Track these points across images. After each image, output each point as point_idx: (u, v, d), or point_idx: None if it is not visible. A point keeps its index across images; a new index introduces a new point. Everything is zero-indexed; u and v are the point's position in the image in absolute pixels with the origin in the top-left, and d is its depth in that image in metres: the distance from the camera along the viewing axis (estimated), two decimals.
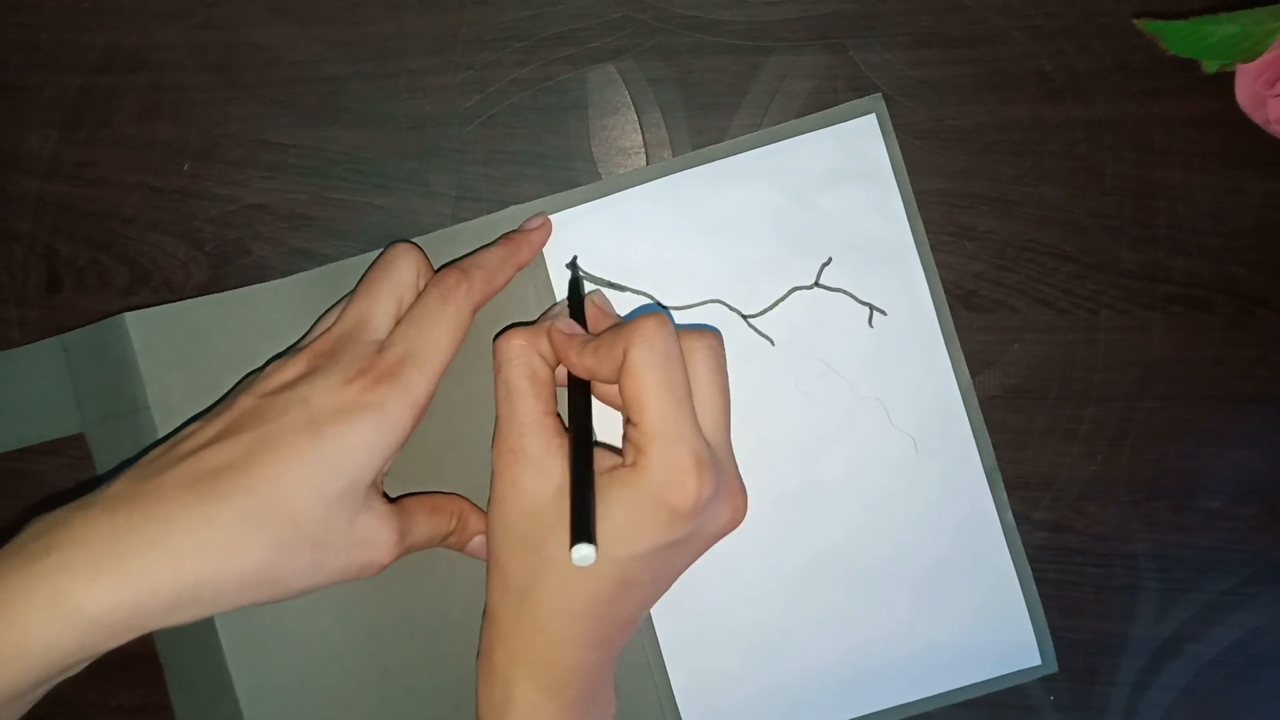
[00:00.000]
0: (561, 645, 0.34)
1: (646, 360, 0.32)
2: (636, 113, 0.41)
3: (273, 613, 0.39)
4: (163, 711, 0.41)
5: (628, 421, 0.34)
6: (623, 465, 0.33)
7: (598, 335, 0.35)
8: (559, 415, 0.36)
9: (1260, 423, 0.41)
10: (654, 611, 0.40)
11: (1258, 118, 0.38)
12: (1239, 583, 0.41)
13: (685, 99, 0.41)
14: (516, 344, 0.36)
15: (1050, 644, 0.40)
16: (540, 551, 0.34)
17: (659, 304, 0.40)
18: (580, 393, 0.36)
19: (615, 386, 0.34)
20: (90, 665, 0.42)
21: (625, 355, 0.32)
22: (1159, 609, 0.41)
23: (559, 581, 0.34)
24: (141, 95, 0.42)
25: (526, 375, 0.35)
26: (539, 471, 0.34)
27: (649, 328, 0.33)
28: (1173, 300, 0.40)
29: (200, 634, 0.39)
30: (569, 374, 0.36)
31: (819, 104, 0.40)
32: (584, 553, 0.30)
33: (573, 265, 0.40)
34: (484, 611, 0.37)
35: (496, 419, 0.36)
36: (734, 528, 0.35)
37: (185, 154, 0.42)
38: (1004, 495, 0.40)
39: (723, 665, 0.40)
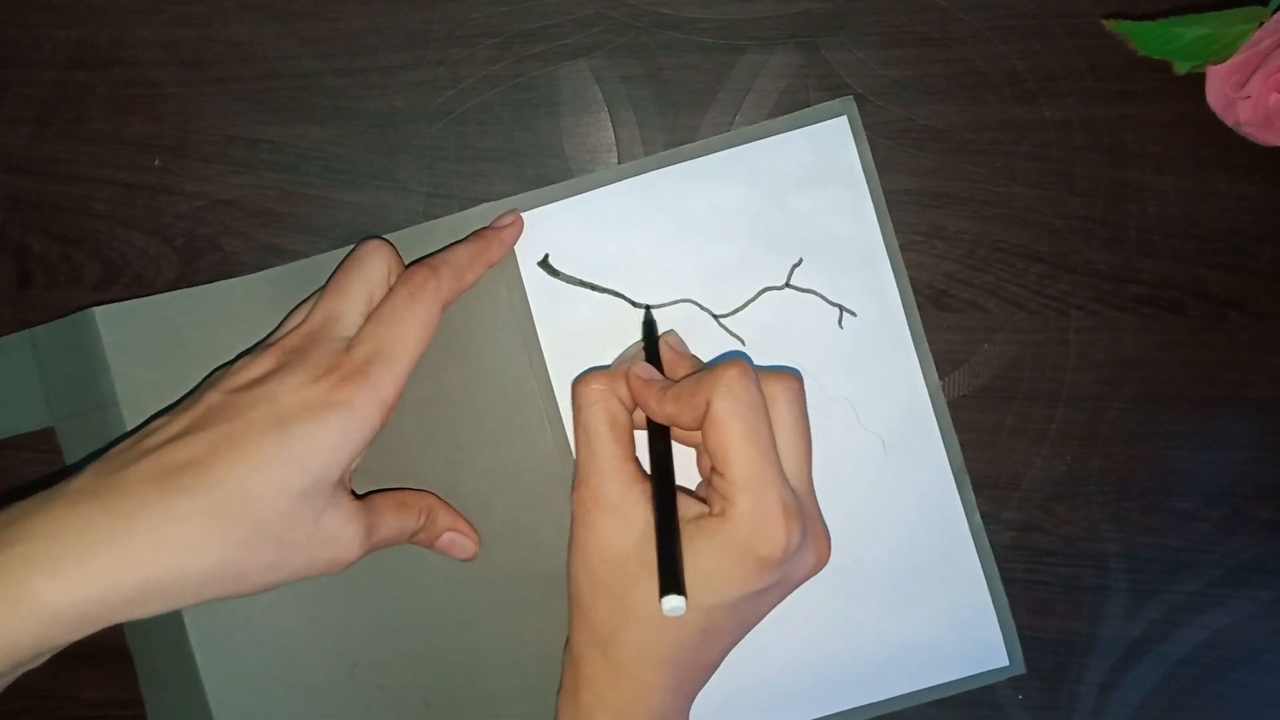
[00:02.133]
0: (646, 690, 0.34)
1: (732, 410, 0.32)
2: (608, 110, 0.41)
3: (242, 609, 0.39)
4: (133, 705, 0.41)
5: (713, 470, 0.34)
6: (709, 515, 0.33)
7: (678, 383, 0.34)
8: (638, 460, 0.36)
9: (1230, 425, 0.41)
10: None
11: (1228, 120, 0.38)
12: (1208, 584, 0.41)
13: (657, 97, 0.41)
14: (595, 389, 0.36)
15: (1018, 646, 0.40)
16: (625, 599, 0.34)
17: (631, 302, 0.40)
18: (660, 437, 0.36)
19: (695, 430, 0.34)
20: (60, 658, 0.42)
21: (709, 405, 0.33)
22: (1128, 609, 0.41)
23: (644, 629, 0.34)
24: (113, 91, 0.42)
25: (606, 420, 0.35)
26: (621, 518, 0.34)
27: (731, 377, 0.33)
28: (1143, 302, 0.40)
29: (169, 628, 0.39)
30: (648, 419, 0.36)
31: (791, 103, 0.40)
32: (674, 604, 0.30)
33: (546, 264, 0.40)
34: (566, 650, 0.37)
35: (576, 463, 0.36)
36: (818, 572, 0.36)
37: (156, 150, 0.42)
38: (972, 496, 0.40)
39: None
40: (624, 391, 0.36)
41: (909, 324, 0.40)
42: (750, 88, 0.41)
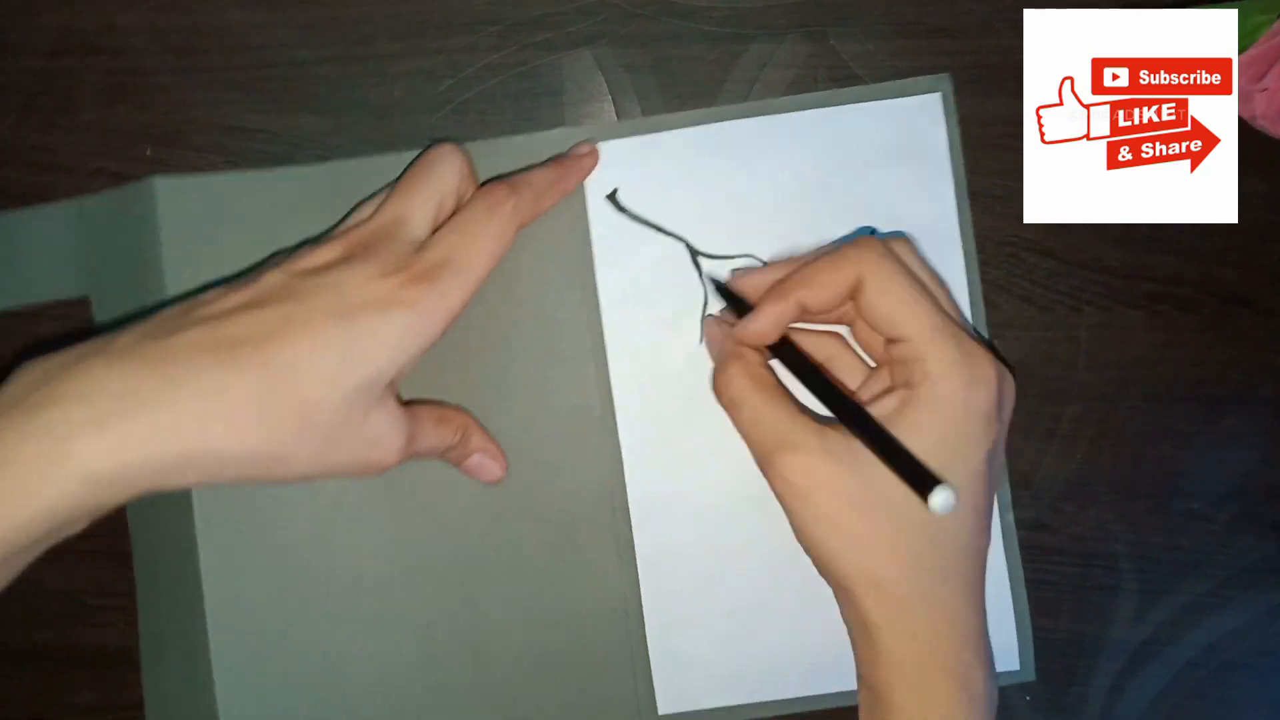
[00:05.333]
0: (957, 617, 0.33)
1: (892, 274, 0.33)
2: (613, 101, 0.40)
3: (254, 502, 0.39)
4: (121, 710, 0.40)
5: (889, 343, 0.34)
6: (907, 389, 0.32)
7: (802, 268, 0.34)
8: (807, 406, 0.35)
9: (1240, 424, 0.40)
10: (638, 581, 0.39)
11: (1244, 113, 0.38)
12: (1217, 585, 0.40)
13: (662, 87, 0.40)
14: (729, 373, 0.35)
15: (1032, 652, 0.39)
16: (890, 526, 0.32)
17: (692, 249, 0.39)
18: (802, 362, 0.35)
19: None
20: (47, 663, 0.41)
21: (862, 281, 0.33)
22: (1137, 610, 0.40)
23: (926, 549, 0.32)
24: (102, 78, 0.41)
25: (752, 389, 0.34)
26: (831, 459, 0.33)
27: (873, 245, 0.33)
28: (1155, 299, 0.40)
29: (176, 513, 0.39)
30: (778, 357, 0.35)
31: (799, 94, 0.40)
32: (941, 498, 0.28)
33: (613, 198, 0.39)
34: (855, 632, 0.34)
35: (753, 448, 0.35)
36: (1013, 402, 0.35)
37: (147, 139, 0.41)
38: (1008, 495, 0.39)
39: (693, 640, 0.39)
40: (749, 355, 0.35)
41: (973, 316, 0.39)
42: (758, 78, 0.40)
